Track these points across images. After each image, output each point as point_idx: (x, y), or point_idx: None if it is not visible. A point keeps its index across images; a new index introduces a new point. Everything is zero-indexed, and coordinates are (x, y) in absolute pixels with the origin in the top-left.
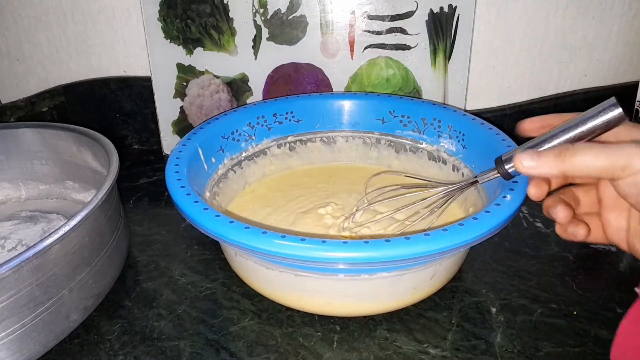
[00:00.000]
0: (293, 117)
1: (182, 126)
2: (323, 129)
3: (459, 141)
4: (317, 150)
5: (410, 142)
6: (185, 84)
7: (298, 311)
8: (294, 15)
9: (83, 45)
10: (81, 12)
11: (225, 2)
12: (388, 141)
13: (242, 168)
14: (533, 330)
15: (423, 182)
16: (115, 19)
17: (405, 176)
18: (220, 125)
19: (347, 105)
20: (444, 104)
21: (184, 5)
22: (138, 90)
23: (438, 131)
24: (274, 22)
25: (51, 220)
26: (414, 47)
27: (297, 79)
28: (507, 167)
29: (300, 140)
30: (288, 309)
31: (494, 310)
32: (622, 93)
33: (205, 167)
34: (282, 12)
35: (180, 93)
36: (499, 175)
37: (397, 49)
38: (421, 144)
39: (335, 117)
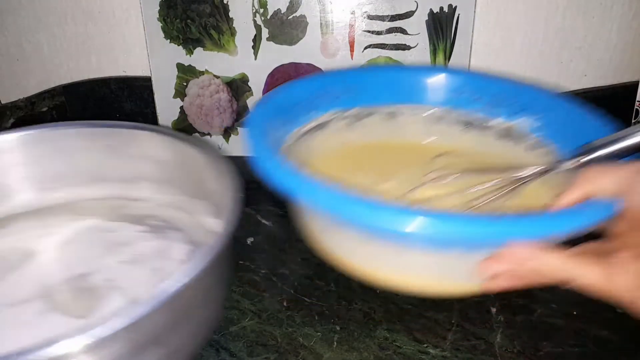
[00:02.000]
0: (357, 89)
1: (182, 126)
2: (387, 103)
3: (535, 119)
4: (376, 125)
5: (480, 119)
6: (185, 84)
7: (298, 311)
8: (294, 15)
9: (83, 45)
10: (81, 12)
11: (225, 2)
12: (456, 117)
13: (305, 141)
14: (533, 330)
15: (492, 165)
16: (115, 19)
17: (472, 157)
18: (287, 95)
19: (414, 79)
20: (521, 80)
21: (184, 5)
22: (138, 90)
23: (513, 108)
24: (274, 22)
25: (172, 241)
26: (413, 47)
27: (297, 78)
28: (588, 158)
29: (363, 114)
30: (288, 308)
31: (494, 310)
32: (622, 93)
33: (274, 139)
34: (282, 12)
35: (180, 93)
36: (581, 162)
37: (397, 49)
38: (492, 121)
39: (401, 91)
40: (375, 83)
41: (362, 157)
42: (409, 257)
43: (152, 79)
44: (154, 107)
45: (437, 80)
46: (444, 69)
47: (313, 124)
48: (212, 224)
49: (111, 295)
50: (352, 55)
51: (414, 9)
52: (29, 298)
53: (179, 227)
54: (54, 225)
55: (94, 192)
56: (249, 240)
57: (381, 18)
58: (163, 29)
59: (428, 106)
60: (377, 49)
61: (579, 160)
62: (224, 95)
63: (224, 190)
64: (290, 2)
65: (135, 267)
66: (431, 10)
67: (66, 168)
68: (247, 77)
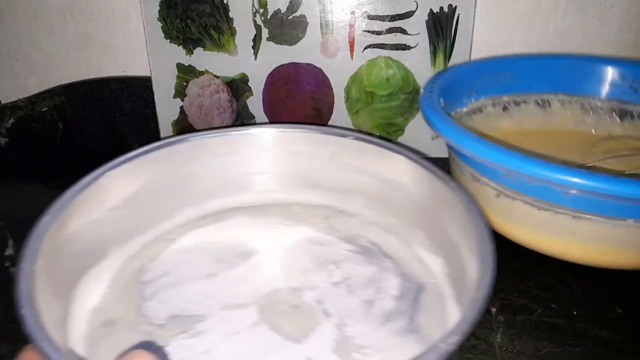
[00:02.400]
0: (511, 76)
1: (182, 126)
2: (539, 91)
3: None
4: (529, 112)
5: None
6: (185, 84)
7: None
8: (294, 15)
9: (83, 45)
10: (81, 12)
11: (225, 2)
12: (611, 107)
13: (462, 124)
14: (533, 330)
15: None
16: (115, 19)
17: (634, 143)
18: (450, 79)
19: (568, 67)
20: None
21: (183, 5)
22: (138, 90)
23: None
24: (274, 22)
25: (383, 269)
26: (414, 47)
27: (297, 79)
28: None
29: (515, 101)
30: None
31: (494, 310)
32: None
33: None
34: (282, 12)
35: (180, 93)
36: None
37: (397, 49)
38: None
39: (554, 80)
40: (529, 71)
41: (518, 143)
42: (580, 224)
43: (152, 79)
44: (154, 107)
45: (595, 70)
46: (602, 59)
47: (469, 108)
48: (428, 259)
49: (323, 322)
50: (352, 55)
51: (414, 9)
52: (242, 304)
53: (389, 253)
54: (271, 227)
55: (307, 197)
56: None
57: (381, 18)
58: (163, 29)
59: (584, 95)
60: (377, 49)
61: None
62: (224, 95)
63: (455, 228)
64: (290, 2)
65: (345, 292)
66: (431, 10)
67: (289, 169)
68: (247, 77)
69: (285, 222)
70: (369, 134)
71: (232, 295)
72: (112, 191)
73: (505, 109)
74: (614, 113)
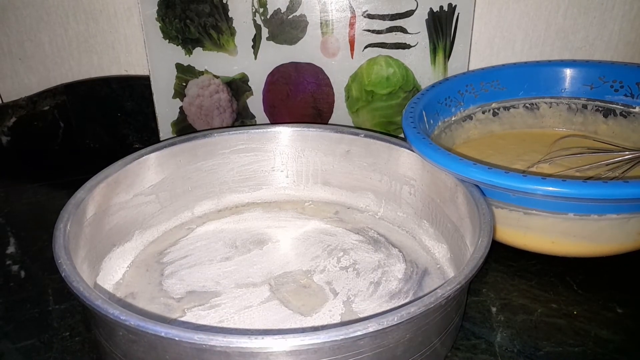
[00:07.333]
0: (498, 84)
1: (182, 126)
2: (527, 96)
3: None
4: (519, 116)
5: (621, 107)
6: (184, 84)
7: None
8: (294, 14)
9: (84, 45)
10: (83, 11)
11: (224, 1)
12: (596, 106)
13: (451, 130)
14: (533, 330)
15: (611, 146)
16: (116, 18)
17: (594, 140)
18: (437, 92)
19: (553, 72)
20: None
21: (182, 5)
22: (139, 89)
23: None
24: (274, 21)
25: (390, 256)
26: (413, 46)
27: (297, 78)
28: None
29: (504, 107)
30: None
31: (494, 310)
32: None
33: (427, 127)
34: (282, 11)
35: (180, 93)
36: None
37: (397, 48)
38: (634, 108)
39: (540, 85)
40: (514, 79)
41: (501, 144)
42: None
43: (151, 79)
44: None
45: (576, 72)
46: (581, 62)
47: (458, 116)
48: (432, 247)
49: (331, 300)
50: (352, 55)
51: (413, 8)
52: (255, 283)
53: (396, 243)
54: (284, 220)
55: (320, 194)
56: None
57: (381, 17)
58: (162, 29)
59: (568, 97)
60: (377, 48)
61: None
62: (224, 95)
63: (461, 218)
64: (290, 2)
65: (353, 275)
66: (431, 10)
67: (303, 167)
68: (247, 77)
69: (298, 217)
70: (376, 131)
71: (246, 276)
72: (139, 178)
73: (495, 114)
74: (598, 112)
